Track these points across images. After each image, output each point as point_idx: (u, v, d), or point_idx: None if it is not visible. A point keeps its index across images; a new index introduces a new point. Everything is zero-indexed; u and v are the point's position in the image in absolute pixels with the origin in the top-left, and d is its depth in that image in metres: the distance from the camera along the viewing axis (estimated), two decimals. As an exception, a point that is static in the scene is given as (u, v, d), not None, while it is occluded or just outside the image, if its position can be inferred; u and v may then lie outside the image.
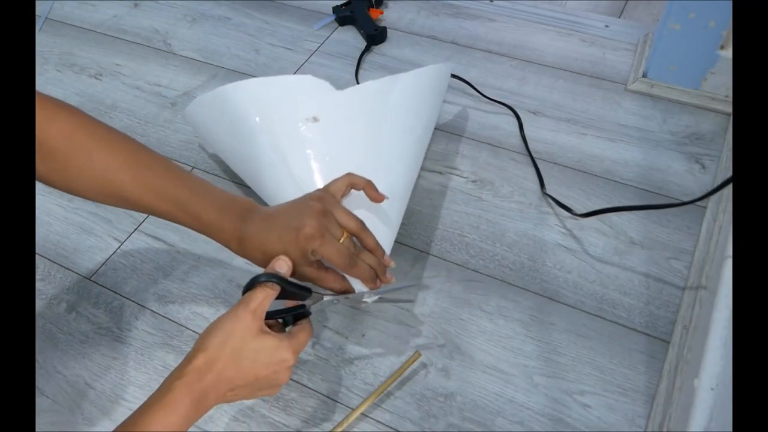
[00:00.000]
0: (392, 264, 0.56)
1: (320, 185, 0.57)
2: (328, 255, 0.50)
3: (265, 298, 0.46)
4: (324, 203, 0.51)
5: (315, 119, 0.63)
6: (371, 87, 0.66)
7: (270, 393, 0.48)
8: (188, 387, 0.42)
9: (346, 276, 0.53)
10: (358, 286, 0.54)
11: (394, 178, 0.63)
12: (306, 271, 0.51)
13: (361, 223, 0.53)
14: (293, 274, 0.50)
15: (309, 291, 0.51)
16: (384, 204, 0.57)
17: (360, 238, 0.53)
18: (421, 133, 0.69)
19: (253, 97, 0.66)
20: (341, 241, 0.51)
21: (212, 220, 0.50)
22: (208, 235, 0.52)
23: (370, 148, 0.64)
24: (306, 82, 0.68)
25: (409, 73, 0.69)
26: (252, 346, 0.44)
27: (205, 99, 0.70)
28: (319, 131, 0.64)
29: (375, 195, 0.55)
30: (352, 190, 0.56)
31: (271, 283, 0.47)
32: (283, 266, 0.49)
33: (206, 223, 0.51)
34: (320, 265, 0.52)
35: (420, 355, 0.58)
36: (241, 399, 0.47)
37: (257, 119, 0.65)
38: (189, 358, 0.44)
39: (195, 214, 0.50)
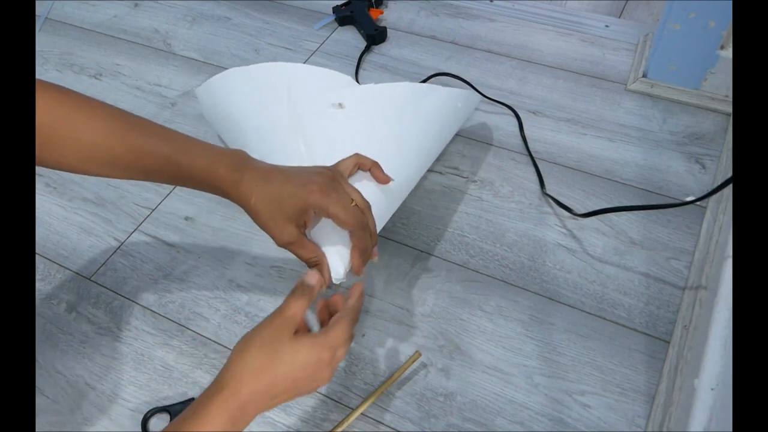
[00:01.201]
0: (376, 258, 0.56)
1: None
2: (337, 212, 0.48)
3: (301, 306, 0.46)
4: (333, 173, 0.51)
5: (341, 105, 0.63)
6: (402, 88, 0.65)
7: (313, 391, 0.47)
8: (225, 404, 0.41)
9: (326, 250, 0.52)
10: (334, 260, 0.52)
11: (398, 183, 0.63)
12: (287, 231, 0.49)
13: (367, 203, 0.52)
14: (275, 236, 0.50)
15: None
16: (379, 196, 0.57)
17: (365, 215, 0.52)
18: (434, 149, 0.69)
19: (282, 78, 0.66)
20: (352, 205, 0.50)
21: (206, 168, 0.49)
22: (204, 188, 0.51)
23: (384, 148, 0.63)
24: (333, 75, 0.68)
25: (446, 89, 0.69)
26: (287, 350, 0.44)
27: (230, 74, 0.70)
28: (341, 117, 0.63)
29: (381, 176, 0.56)
30: (359, 170, 0.56)
31: (308, 289, 0.47)
32: (312, 280, 0.48)
33: (200, 172, 0.49)
34: (301, 231, 0.51)
35: (420, 355, 0.58)
36: (283, 402, 0.46)
37: (287, 96, 0.65)
38: (227, 369, 0.43)
39: (188, 166, 0.49)
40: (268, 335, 0.44)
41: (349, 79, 0.68)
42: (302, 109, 0.64)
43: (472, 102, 0.75)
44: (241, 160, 0.50)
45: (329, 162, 0.58)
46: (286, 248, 0.50)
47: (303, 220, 0.50)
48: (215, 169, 0.49)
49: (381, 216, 0.60)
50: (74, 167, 0.50)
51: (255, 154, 0.60)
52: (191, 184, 0.50)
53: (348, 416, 0.55)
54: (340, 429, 0.54)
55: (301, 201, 0.48)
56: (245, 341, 0.44)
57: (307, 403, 0.58)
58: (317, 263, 0.51)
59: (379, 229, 0.61)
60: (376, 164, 0.56)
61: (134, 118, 0.51)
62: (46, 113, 0.47)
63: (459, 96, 0.71)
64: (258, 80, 0.68)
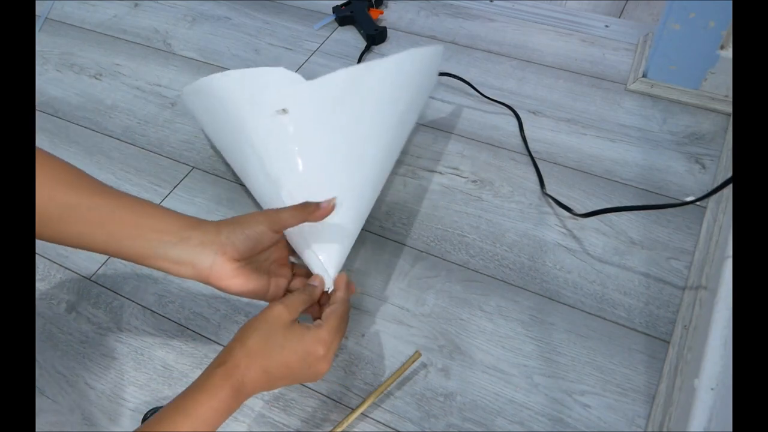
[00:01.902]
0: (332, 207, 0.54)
1: (292, 179, 0.59)
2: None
3: (300, 300, 0.50)
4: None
5: (284, 111, 0.61)
6: (341, 76, 0.63)
7: (312, 380, 0.50)
8: (227, 374, 0.44)
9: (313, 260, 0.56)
10: (322, 272, 0.56)
11: (368, 168, 0.62)
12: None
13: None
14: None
15: None
16: (352, 192, 0.59)
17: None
18: (398, 121, 0.67)
19: (228, 90, 0.65)
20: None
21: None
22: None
23: (341, 140, 0.62)
24: (276, 74, 0.65)
25: (384, 60, 0.66)
26: (279, 336, 0.47)
27: (192, 89, 0.70)
28: (288, 123, 0.62)
29: (320, 213, 0.53)
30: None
31: (311, 288, 0.51)
32: (316, 281, 0.54)
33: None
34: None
35: (420, 354, 0.58)
36: (283, 386, 0.49)
37: (231, 113, 0.64)
38: (228, 348, 0.46)
39: None
40: (266, 322, 0.47)
41: (296, 76, 0.65)
42: (250, 124, 0.63)
43: (427, 57, 0.71)
44: (195, 256, 0.48)
45: (288, 170, 0.59)
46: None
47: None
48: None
49: (361, 210, 0.61)
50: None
51: (234, 168, 0.66)
52: None
53: (348, 416, 0.55)
54: (340, 429, 0.54)
55: (263, 226, 0.51)
56: (246, 326, 0.48)
57: (307, 403, 0.58)
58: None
59: (364, 216, 0.62)
60: (318, 210, 0.53)
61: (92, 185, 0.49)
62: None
63: (405, 59, 0.67)
64: (209, 94, 0.67)
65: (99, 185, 0.49)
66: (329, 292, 0.55)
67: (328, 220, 0.53)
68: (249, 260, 0.51)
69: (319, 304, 0.55)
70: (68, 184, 0.47)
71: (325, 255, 0.56)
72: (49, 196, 0.45)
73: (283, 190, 0.59)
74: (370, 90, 0.64)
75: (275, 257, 0.55)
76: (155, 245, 0.47)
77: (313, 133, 0.62)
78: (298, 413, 0.57)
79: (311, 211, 0.52)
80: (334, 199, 0.53)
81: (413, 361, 0.58)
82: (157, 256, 0.47)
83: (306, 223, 0.52)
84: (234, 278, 0.49)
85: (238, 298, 0.66)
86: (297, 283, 0.56)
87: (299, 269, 0.58)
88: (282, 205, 0.54)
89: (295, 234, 0.57)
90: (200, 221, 0.50)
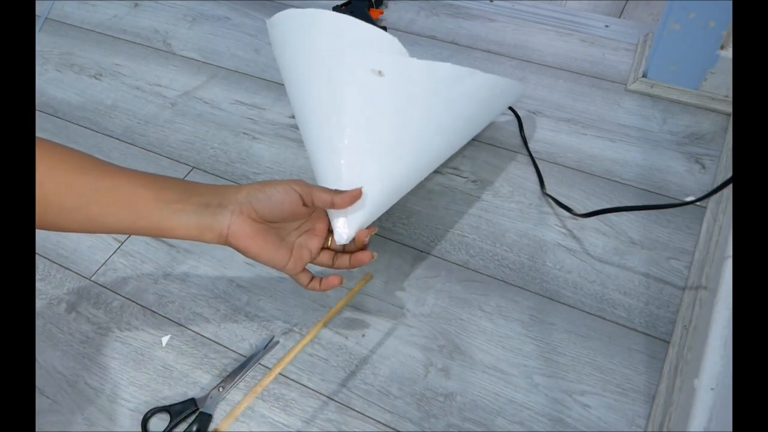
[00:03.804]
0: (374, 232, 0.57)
1: (347, 130, 0.58)
2: (320, 194, 0.52)
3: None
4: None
5: (380, 73, 0.60)
6: (446, 69, 0.63)
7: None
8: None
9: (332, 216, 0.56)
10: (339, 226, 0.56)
11: (418, 167, 0.62)
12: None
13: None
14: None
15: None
16: (393, 183, 0.59)
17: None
18: (462, 134, 0.68)
19: (332, 29, 0.64)
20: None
21: (192, 237, 0.49)
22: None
23: (411, 127, 0.61)
24: (386, 39, 0.66)
25: (486, 75, 0.66)
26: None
27: (287, 15, 0.67)
28: (377, 85, 0.61)
29: (344, 203, 0.54)
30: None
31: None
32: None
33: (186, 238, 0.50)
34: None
35: (371, 276, 0.60)
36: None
37: (322, 52, 0.63)
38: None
39: (169, 231, 0.49)
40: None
41: (398, 45, 0.65)
42: (340, 69, 0.61)
43: (512, 91, 0.73)
44: (214, 219, 0.49)
45: (359, 126, 0.58)
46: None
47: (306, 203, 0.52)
48: (201, 237, 0.49)
49: (391, 201, 0.61)
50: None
51: (294, 105, 0.65)
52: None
53: (299, 342, 0.57)
54: (281, 366, 0.55)
55: (294, 192, 0.51)
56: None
57: (307, 403, 0.58)
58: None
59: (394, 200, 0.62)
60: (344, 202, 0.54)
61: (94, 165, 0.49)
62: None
63: (498, 83, 0.69)
64: (306, 27, 0.65)
65: (110, 166, 0.49)
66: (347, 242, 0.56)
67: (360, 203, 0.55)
68: (272, 225, 0.51)
69: (344, 252, 0.56)
70: (82, 170, 0.47)
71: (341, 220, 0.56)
72: (68, 184, 0.45)
73: (343, 155, 0.58)
74: (460, 94, 0.64)
75: (304, 232, 0.55)
76: (177, 216, 0.48)
77: (391, 104, 0.60)
78: (298, 413, 0.57)
79: (338, 202, 0.53)
80: (360, 190, 0.54)
81: (364, 282, 0.60)
82: (179, 226, 0.48)
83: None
84: (252, 238, 0.49)
85: (238, 297, 0.66)
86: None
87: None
88: (334, 166, 0.56)
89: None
90: (222, 186, 0.50)
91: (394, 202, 0.61)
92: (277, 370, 0.58)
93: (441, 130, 0.64)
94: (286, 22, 0.68)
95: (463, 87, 0.64)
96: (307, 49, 0.64)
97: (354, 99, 0.59)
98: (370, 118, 0.59)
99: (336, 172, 0.56)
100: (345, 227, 0.55)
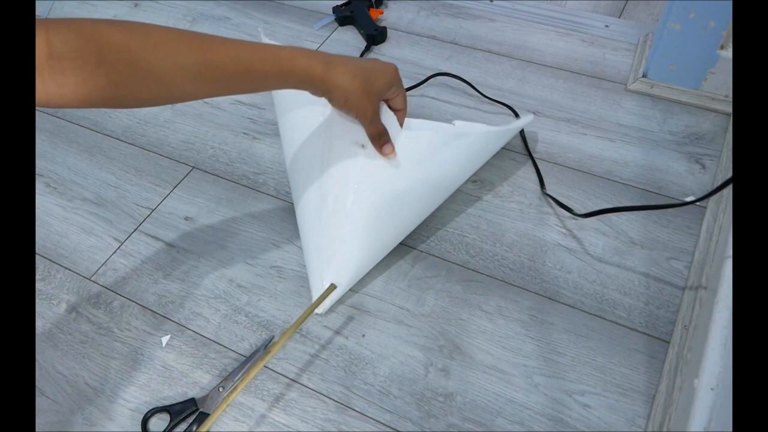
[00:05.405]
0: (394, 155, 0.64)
1: (333, 196, 0.64)
2: (400, 97, 0.63)
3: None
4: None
5: (363, 146, 0.64)
6: (428, 138, 0.65)
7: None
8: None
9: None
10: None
11: (402, 226, 0.66)
12: (375, 106, 0.60)
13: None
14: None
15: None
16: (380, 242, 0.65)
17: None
18: (450, 188, 0.69)
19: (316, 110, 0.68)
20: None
21: (296, 67, 0.53)
22: (288, 85, 0.55)
23: (397, 190, 0.64)
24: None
25: (479, 131, 0.67)
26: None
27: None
28: (361, 156, 0.63)
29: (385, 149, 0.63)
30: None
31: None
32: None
33: (288, 71, 0.53)
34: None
35: (335, 287, 0.61)
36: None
37: (320, 118, 0.67)
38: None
39: (262, 72, 0.52)
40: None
41: (391, 116, 0.65)
42: (330, 140, 0.65)
43: (503, 139, 0.73)
44: (325, 57, 0.55)
45: (342, 196, 0.63)
46: (369, 122, 0.61)
47: (386, 97, 0.61)
48: (308, 67, 0.54)
49: (380, 256, 0.66)
50: (155, 96, 0.50)
51: (288, 162, 0.71)
52: (274, 83, 0.55)
53: (264, 357, 0.56)
54: (244, 382, 0.54)
55: (389, 79, 0.60)
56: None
57: (307, 403, 0.58)
58: (385, 142, 0.63)
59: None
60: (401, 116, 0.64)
61: (203, 34, 0.52)
62: (122, 49, 0.47)
63: (491, 137, 0.69)
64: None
65: (224, 39, 0.52)
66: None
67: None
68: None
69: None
70: (207, 46, 0.50)
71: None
72: (197, 58, 0.49)
73: (324, 213, 0.64)
74: (445, 159, 0.66)
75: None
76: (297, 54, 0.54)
77: (378, 175, 0.64)
78: (298, 413, 0.57)
79: (381, 144, 0.63)
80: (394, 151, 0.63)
81: (328, 294, 0.60)
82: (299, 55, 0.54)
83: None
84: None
85: (238, 297, 0.66)
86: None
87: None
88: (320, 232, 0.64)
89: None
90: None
91: (375, 263, 0.66)
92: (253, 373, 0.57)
93: (424, 193, 0.66)
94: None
95: (450, 149, 0.66)
96: (307, 110, 0.68)
97: (342, 169, 0.64)
98: (356, 187, 0.63)
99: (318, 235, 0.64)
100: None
